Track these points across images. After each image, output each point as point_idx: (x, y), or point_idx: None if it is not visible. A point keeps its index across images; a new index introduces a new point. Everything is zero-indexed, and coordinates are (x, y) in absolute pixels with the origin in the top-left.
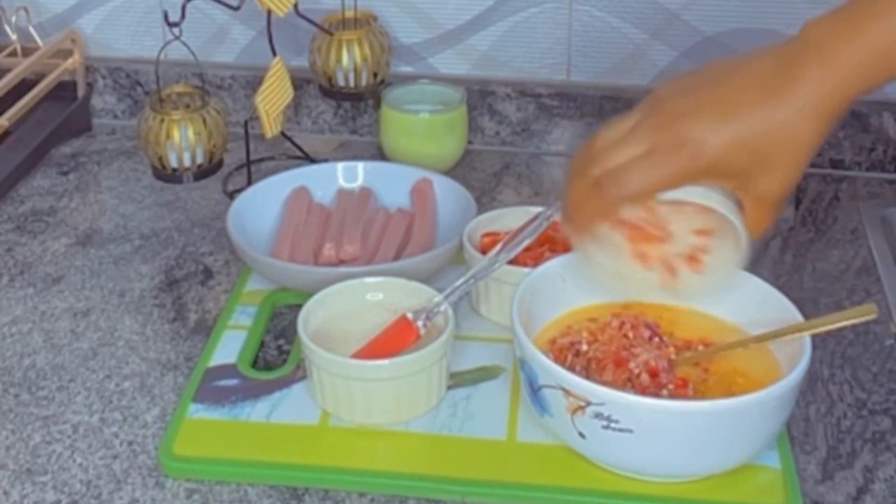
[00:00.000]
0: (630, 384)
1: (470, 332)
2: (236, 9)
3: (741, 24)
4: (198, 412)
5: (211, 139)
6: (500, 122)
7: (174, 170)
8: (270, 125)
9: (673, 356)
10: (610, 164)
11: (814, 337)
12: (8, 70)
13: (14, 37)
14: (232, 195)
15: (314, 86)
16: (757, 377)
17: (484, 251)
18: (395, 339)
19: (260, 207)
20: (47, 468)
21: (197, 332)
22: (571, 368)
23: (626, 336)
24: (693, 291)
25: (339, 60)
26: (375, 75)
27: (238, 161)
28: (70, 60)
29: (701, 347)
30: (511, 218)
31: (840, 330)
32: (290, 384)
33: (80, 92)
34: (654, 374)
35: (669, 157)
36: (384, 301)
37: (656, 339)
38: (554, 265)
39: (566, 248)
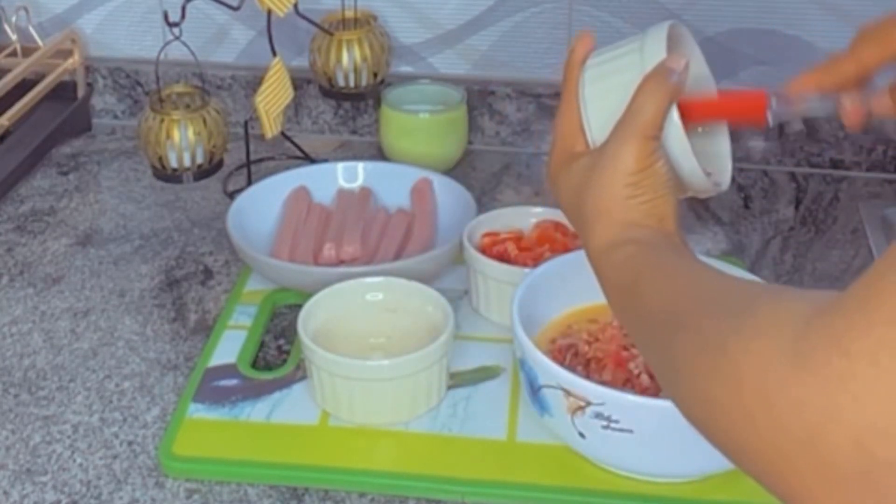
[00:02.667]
0: (630, 384)
1: (470, 332)
2: (236, 9)
3: (741, 24)
4: (198, 412)
5: (211, 139)
6: (500, 122)
7: (174, 170)
8: (270, 125)
9: None
10: None
11: None
12: (8, 70)
13: (14, 37)
14: (232, 195)
15: (314, 86)
16: None
17: (484, 251)
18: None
19: (260, 207)
20: (47, 468)
21: (197, 332)
22: (571, 368)
23: (626, 336)
24: None
25: (339, 60)
26: (375, 75)
27: (238, 161)
28: (70, 60)
29: None
30: (511, 218)
31: None
32: (290, 384)
33: (80, 92)
34: (653, 375)
35: None
36: (384, 301)
37: None
38: (554, 265)
39: (566, 248)
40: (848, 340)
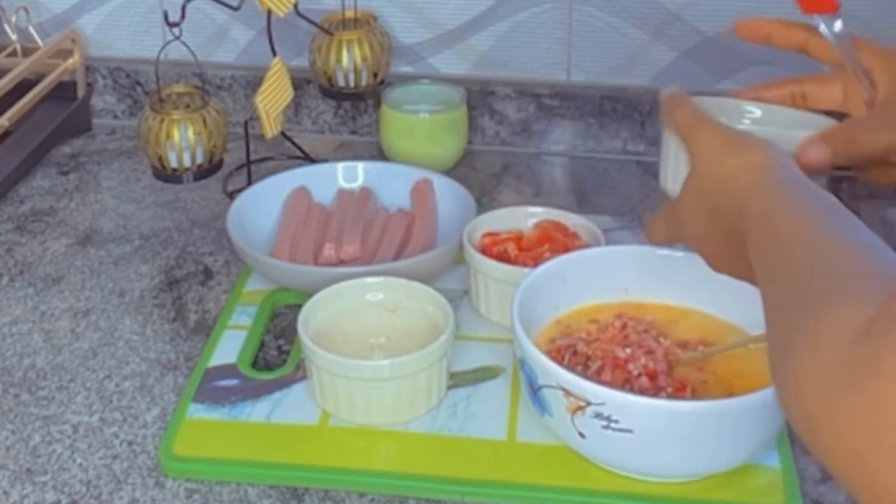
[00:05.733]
0: (629, 385)
1: (470, 332)
2: (236, 9)
3: None
4: (198, 412)
5: (211, 139)
6: (500, 122)
7: (174, 170)
8: (270, 125)
9: (675, 353)
10: None
11: None
12: (8, 70)
13: (14, 37)
14: (232, 195)
15: (314, 86)
16: (757, 378)
17: (484, 251)
18: None
19: (260, 207)
20: (47, 468)
21: (197, 332)
22: (571, 368)
23: (626, 337)
24: None
25: (339, 60)
26: (375, 75)
27: (238, 161)
28: (70, 60)
29: (701, 348)
30: (511, 218)
31: None
32: (290, 384)
33: (80, 92)
34: (652, 377)
35: None
36: (384, 301)
37: (656, 341)
38: (554, 265)
39: (566, 248)
40: (879, 362)
